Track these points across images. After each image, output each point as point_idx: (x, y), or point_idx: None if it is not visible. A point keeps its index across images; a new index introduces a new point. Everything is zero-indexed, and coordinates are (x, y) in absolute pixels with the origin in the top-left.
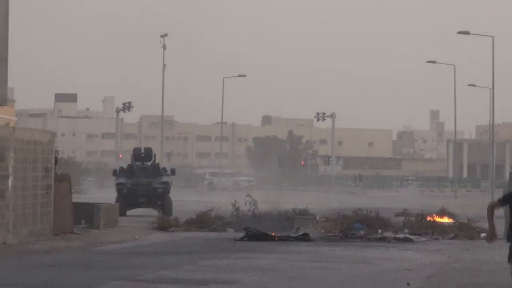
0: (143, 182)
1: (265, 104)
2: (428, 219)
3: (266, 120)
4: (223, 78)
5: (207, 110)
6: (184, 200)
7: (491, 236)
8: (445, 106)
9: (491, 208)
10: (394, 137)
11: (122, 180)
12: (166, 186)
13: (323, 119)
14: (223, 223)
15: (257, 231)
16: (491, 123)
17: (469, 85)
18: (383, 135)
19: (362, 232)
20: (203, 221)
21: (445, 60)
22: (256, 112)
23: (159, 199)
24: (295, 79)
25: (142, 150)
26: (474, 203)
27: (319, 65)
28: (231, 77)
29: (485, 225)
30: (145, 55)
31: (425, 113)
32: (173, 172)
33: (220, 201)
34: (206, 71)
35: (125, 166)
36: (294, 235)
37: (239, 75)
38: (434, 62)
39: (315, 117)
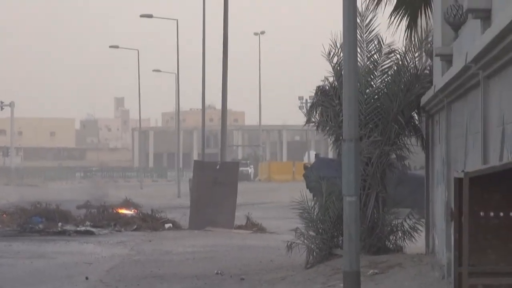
0: None
1: None
2: (111, 210)
3: None
4: None
5: None
6: None
7: None
8: (130, 93)
9: None
10: (78, 126)
11: None
12: None
13: (2, 109)
14: None
15: None
16: (177, 110)
17: (153, 70)
18: (65, 124)
19: (41, 226)
20: None
21: (129, 44)
22: None
23: None
24: None
25: None
26: (160, 193)
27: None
28: None
29: (169, 215)
30: None
31: (110, 100)
32: None
33: None
34: None
35: None
36: None
37: None
38: (117, 47)
39: None
